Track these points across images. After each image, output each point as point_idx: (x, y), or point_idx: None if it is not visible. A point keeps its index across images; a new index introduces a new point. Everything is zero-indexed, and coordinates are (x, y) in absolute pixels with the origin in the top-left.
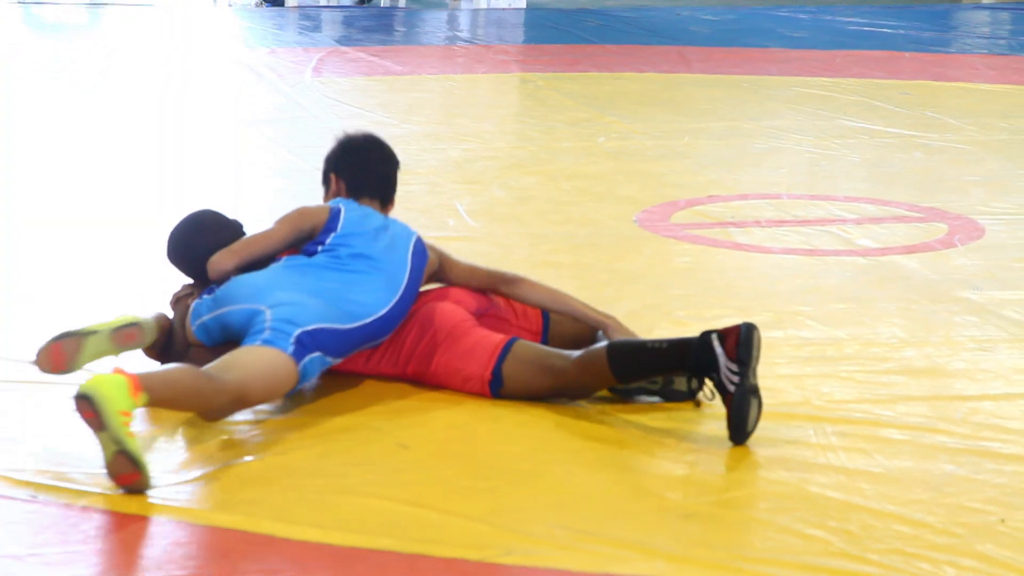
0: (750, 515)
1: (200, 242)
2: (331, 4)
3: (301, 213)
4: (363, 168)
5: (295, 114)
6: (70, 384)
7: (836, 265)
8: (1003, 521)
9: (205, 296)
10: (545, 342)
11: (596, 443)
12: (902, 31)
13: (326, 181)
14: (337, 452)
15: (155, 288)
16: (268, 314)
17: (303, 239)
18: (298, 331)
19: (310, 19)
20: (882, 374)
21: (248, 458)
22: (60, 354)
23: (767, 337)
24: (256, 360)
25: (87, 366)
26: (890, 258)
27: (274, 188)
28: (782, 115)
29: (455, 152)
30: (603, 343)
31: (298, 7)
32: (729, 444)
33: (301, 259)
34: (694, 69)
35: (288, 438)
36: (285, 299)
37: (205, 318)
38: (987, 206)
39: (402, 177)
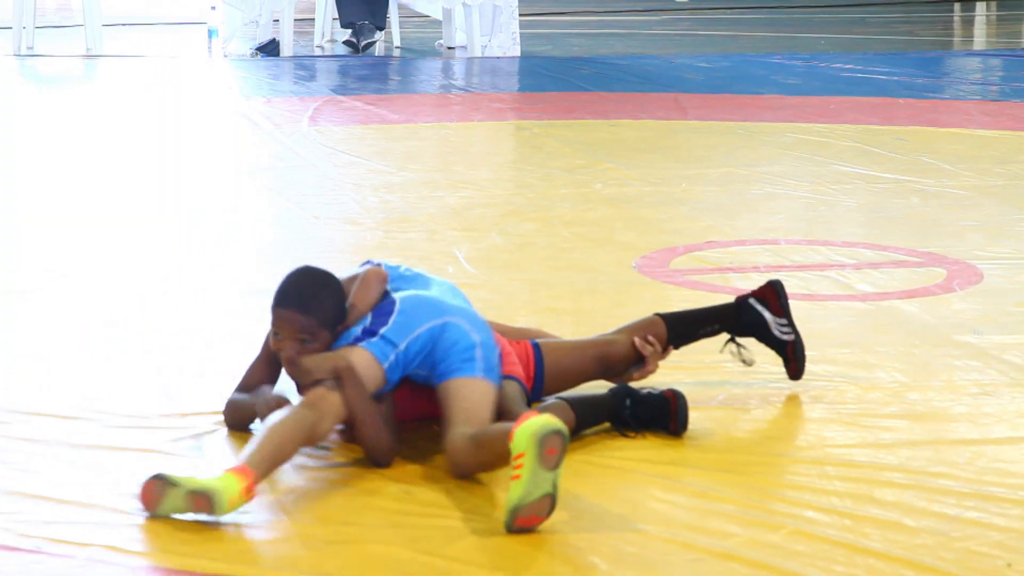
0: (756, 559)
1: (330, 295)
2: (326, 54)
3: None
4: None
5: (292, 163)
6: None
7: (835, 310)
8: (1010, 565)
9: (380, 335)
10: (539, 387)
11: (603, 484)
12: (896, 77)
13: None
14: (341, 499)
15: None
16: (468, 329)
17: None
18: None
19: (305, 69)
20: (884, 418)
21: (251, 508)
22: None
23: (769, 384)
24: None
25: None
26: (889, 303)
27: (272, 236)
28: (778, 161)
29: (452, 199)
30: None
31: (293, 57)
32: (734, 489)
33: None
34: (690, 116)
35: (292, 486)
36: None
37: (400, 347)
38: (985, 251)
39: (400, 225)
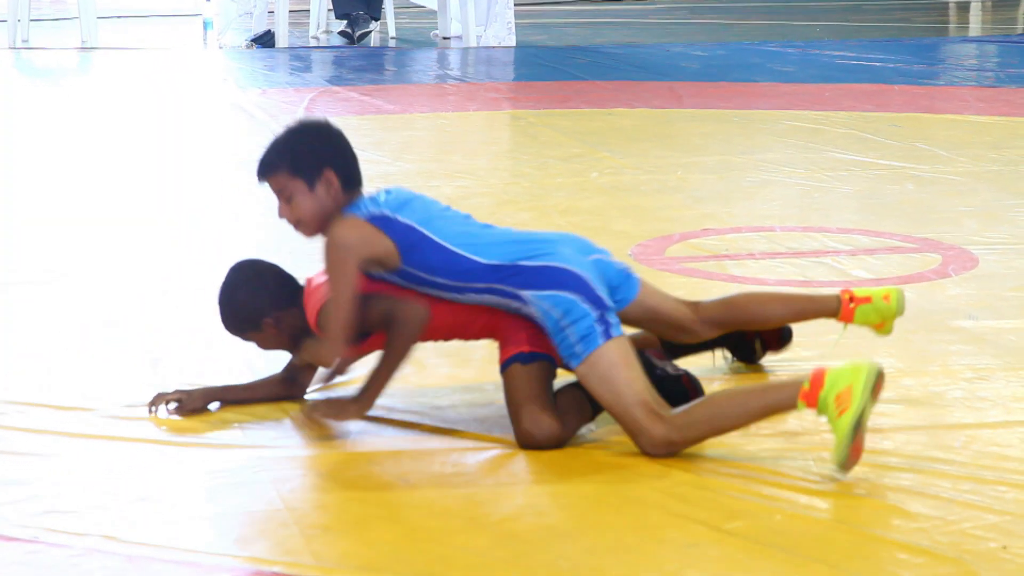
0: (752, 545)
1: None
2: (321, 45)
3: (359, 244)
4: (351, 153)
5: None
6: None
7: None
8: (1005, 548)
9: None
10: None
11: (595, 474)
12: (891, 64)
13: (311, 176)
14: (336, 486)
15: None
16: None
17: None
18: None
19: (301, 60)
20: (880, 403)
21: (248, 497)
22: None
23: (766, 370)
24: None
25: None
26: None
27: (269, 228)
28: (773, 148)
29: (449, 189)
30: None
31: (289, 48)
32: (730, 474)
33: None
34: (685, 104)
35: (286, 474)
36: None
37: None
38: (980, 236)
39: None
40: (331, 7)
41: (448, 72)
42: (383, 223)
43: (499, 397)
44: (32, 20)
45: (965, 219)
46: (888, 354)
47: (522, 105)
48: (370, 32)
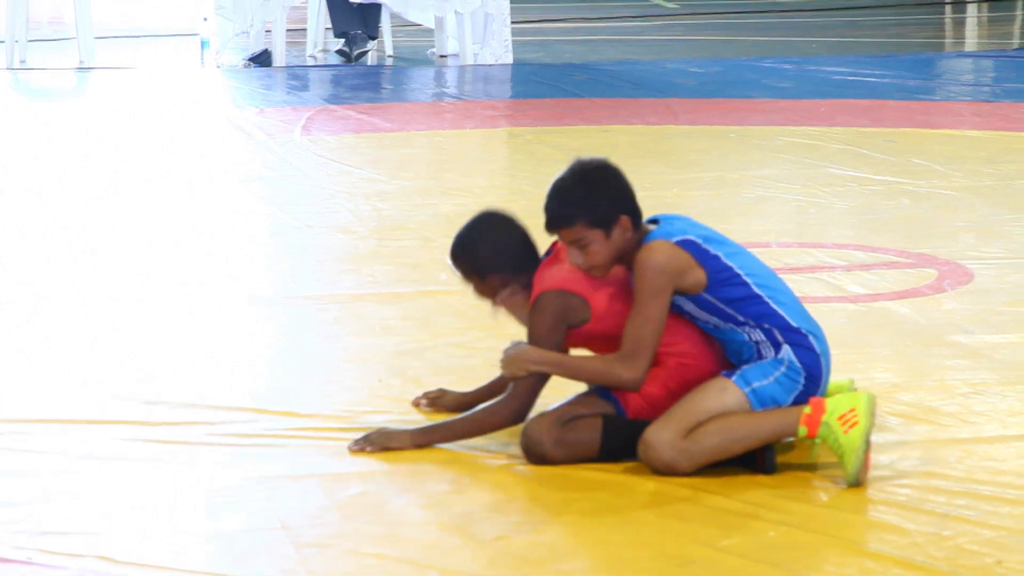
0: (747, 562)
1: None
2: (319, 64)
3: (675, 270)
4: (634, 191)
5: (285, 172)
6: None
7: (827, 312)
8: (1000, 563)
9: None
10: None
11: (593, 492)
12: (887, 80)
13: (609, 224)
14: (332, 505)
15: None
16: None
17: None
18: None
19: (298, 79)
20: (876, 417)
21: (244, 516)
22: None
23: None
24: None
25: None
26: (881, 304)
27: (266, 245)
28: (769, 164)
29: (446, 207)
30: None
31: (286, 67)
32: (725, 491)
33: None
34: (681, 121)
35: (283, 493)
36: None
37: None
38: (976, 251)
39: (394, 233)
40: (329, 26)
41: (445, 90)
42: (693, 249)
43: None
44: (30, 40)
45: (961, 234)
46: (884, 369)
47: (519, 122)
48: (367, 51)
